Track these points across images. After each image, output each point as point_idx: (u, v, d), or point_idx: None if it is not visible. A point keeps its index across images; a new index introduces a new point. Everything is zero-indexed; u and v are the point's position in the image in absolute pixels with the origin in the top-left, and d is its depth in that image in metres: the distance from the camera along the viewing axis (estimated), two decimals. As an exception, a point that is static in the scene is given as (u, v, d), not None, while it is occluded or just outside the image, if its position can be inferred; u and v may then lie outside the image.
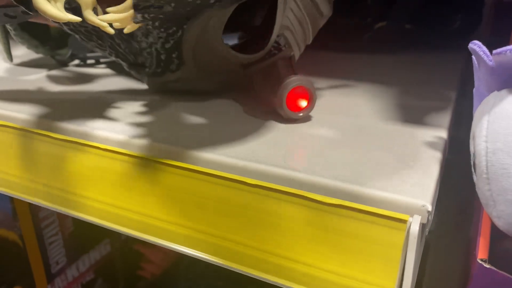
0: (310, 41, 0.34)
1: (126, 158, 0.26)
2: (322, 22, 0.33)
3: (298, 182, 0.22)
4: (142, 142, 0.26)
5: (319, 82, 0.37)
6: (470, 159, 0.21)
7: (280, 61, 0.30)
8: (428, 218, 0.19)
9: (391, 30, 0.46)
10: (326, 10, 0.32)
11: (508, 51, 0.19)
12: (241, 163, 0.23)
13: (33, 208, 0.56)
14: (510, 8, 0.48)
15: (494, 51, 0.19)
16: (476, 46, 0.21)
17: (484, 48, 0.20)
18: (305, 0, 0.30)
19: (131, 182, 0.26)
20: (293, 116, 0.28)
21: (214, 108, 0.31)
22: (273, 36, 0.30)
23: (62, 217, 0.59)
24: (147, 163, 0.26)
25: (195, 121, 0.29)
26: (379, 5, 0.47)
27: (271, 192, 0.22)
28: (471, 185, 0.23)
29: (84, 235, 0.63)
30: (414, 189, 0.20)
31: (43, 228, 0.57)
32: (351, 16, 0.47)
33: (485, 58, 0.20)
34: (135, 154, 0.26)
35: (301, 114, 0.28)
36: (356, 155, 0.24)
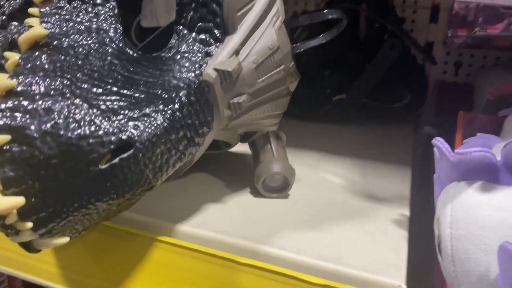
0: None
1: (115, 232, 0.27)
2: None
3: (284, 260, 0.23)
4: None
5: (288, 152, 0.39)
6: (420, 220, 0.24)
7: (272, 136, 0.32)
8: (402, 296, 0.22)
9: (349, 102, 0.50)
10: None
11: (468, 153, 0.22)
12: (231, 239, 0.25)
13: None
14: (451, 87, 0.54)
15: (456, 151, 0.23)
16: (439, 143, 0.24)
17: (446, 145, 0.24)
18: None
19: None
20: (266, 196, 0.31)
21: (196, 182, 0.32)
22: None
23: (12, 277, 0.56)
24: (133, 237, 0.26)
25: (179, 195, 0.30)
26: (336, 78, 0.51)
27: (259, 271, 0.23)
28: (426, 248, 0.26)
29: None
30: (389, 270, 0.23)
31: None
32: (312, 87, 0.51)
33: (448, 154, 0.23)
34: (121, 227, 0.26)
35: (275, 195, 0.30)
36: (333, 233, 0.26)
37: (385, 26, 0.48)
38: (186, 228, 0.26)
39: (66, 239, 0.22)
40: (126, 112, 0.22)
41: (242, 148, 0.39)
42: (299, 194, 0.31)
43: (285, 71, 0.28)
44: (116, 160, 0.21)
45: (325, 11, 0.28)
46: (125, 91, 0.23)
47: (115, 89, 0.22)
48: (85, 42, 0.23)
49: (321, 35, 0.29)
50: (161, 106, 0.23)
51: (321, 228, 0.26)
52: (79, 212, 0.21)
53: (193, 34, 0.25)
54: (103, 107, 0.22)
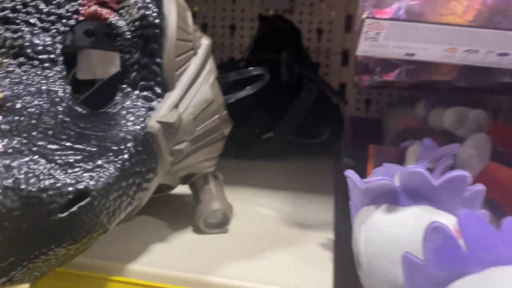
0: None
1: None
2: None
3: (228, 287, 0.27)
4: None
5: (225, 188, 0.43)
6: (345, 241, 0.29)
7: (211, 177, 0.35)
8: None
9: (277, 139, 0.55)
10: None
11: (373, 181, 0.27)
12: (179, 273, 0.27)
13: None
14: (364, 122, 0.61)
15: (364, 180, 0.27)
16: (350, 174, 0.29)
17: (356, 175, 0.28)
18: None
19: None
20: (207, 232, 0.34)
21: (143, 223, 0.35)
22: None
23: None
24: (86, 279, 0.28)
25: (128, 237, 0.32)
26: (264, 119, 0.56)
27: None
28: (350, 266, 0.31)
29: None
30: (318, 286, 0.27)
31: None
32: (243, 127, 0.55)
33: (358, 183, 0.28)
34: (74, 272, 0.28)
35: (215, 230, 0.34)
36: (269, 259, 0.30)
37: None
38: (136, 267, 0.28)
39: (26, 286, 0.24)
40: (81, 164, 0.24)
41: (182, 189, 0.42)
42: (237, 228, 0.34)
43: (220, 119, 0.31)
44: (75, 208, 0.23)
45: (251, 68, 0.33)
46: (78, 146, 0.25)
47: (69, 144, 0.25)
48: (37, 103, 0.26)
49: (248, 87, 0.33)
50: (112, 157, 0.25)
51: (259, 256, 0.30)
52: (39, 259, 0.23)
53: (136, 92, 0.29)
54: (59, 161, 0.24)
